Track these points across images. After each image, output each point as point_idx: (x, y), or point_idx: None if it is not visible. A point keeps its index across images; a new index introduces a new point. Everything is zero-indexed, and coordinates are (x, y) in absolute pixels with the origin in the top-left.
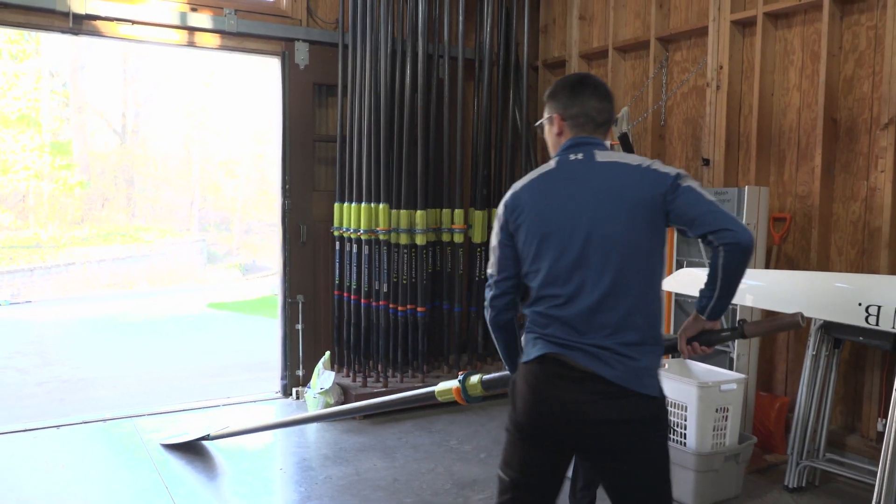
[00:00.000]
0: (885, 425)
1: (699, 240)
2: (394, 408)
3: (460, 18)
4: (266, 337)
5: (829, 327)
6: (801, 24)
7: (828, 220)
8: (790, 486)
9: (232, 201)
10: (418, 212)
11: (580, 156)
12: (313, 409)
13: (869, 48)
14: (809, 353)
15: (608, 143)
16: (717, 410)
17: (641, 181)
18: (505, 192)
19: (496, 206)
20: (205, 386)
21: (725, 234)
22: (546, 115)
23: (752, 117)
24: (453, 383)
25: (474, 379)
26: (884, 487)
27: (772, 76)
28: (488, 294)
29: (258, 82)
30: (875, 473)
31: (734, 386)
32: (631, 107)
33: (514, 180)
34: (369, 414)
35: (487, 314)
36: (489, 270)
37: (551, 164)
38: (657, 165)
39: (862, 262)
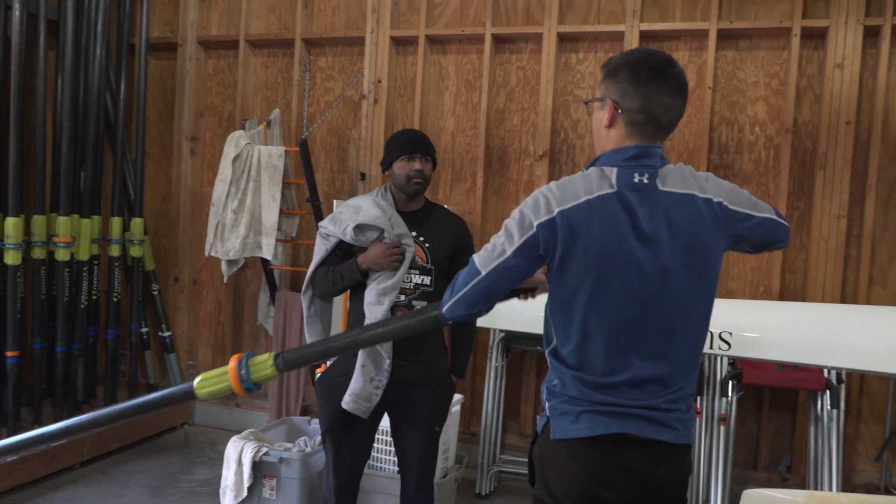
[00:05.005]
0: None
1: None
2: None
3: None
4: None
5: (509, 339)
6: (455, 52)
7: (486, 239)
8: (482, 493)
9: None
10: (10, 219)
11: (646, 177)
12: None
13: (518, 85)
14: (493, 364)
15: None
16: None
17: (713, 223)
18: (116, 195)
19: (102, 212)
20: None
21: (784, 241)
22: (599, 93)
23: None
24: (222, 369)
25: (261, 357)
26: None
27: (428, 98)
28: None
29: None
30: None
31: (456, 408)
32: (275, 109)
33: (127, 181)
34: None
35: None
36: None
37: (609, 180)
38: (724, 198)
39: None
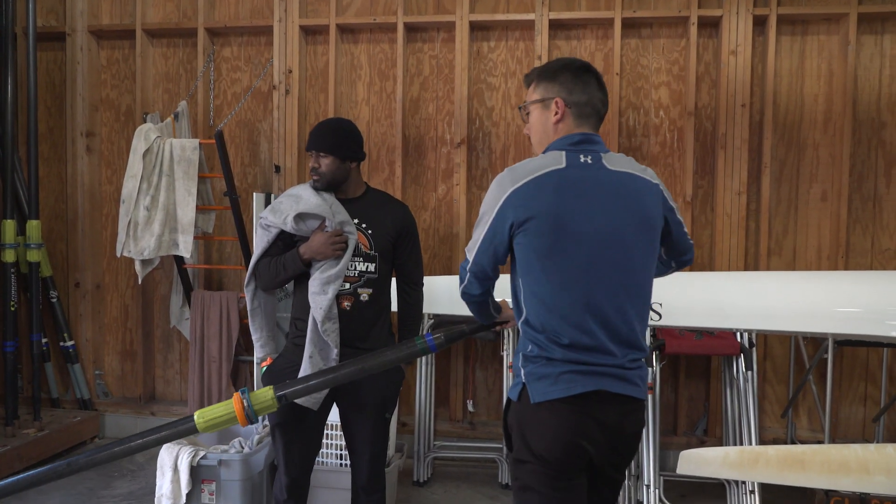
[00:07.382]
0: (475, 405)
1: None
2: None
3: None
4: None
5: (438, 325)
6: (367, 41)
7: None
8: (420, 480)
9: None
10: None
11: (590, 159)
12: None
13: (432, 74)
14: None
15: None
16: None
17: (654, 200)
18: (8, 197)
19: None
20: None
21: (690, 257)
22: (539, 95)
23: None
24: (227, 404)
25: (266, 393)
26: None
27: (341, 87)
28: (465, 278)
29: None
30: (470, 449)
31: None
32: (182, 101)
33: (17, 182)
34: None
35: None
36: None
37: (558, 160)
38: (658, 181)
39: (434, 265)
